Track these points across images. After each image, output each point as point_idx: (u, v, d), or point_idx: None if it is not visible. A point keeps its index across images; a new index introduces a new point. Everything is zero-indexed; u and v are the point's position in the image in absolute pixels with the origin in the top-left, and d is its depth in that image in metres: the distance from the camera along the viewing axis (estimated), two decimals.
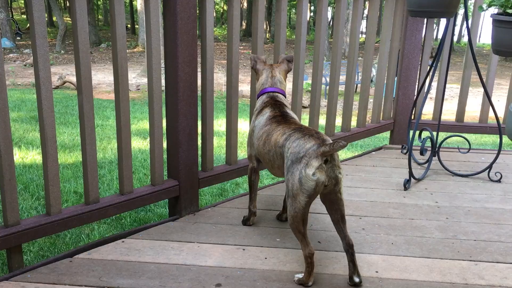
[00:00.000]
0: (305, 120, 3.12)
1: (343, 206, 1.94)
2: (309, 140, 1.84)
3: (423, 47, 3.57)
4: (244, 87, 12.47)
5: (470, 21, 3.17)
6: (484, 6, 2.92)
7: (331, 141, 1.80)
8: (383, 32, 3.45)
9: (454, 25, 3.03)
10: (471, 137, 4.68)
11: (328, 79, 3.30)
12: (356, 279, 1.94)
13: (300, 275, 1.97)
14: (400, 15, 3.47)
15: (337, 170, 1.85)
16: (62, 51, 21.76)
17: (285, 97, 2.36)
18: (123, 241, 2.27)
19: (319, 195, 1.90)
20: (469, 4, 3.25)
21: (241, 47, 19.72)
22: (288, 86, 2.55)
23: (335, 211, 1.94)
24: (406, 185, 2.93)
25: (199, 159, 2.60)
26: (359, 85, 2.75)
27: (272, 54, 2.69)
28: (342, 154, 4.96)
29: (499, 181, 3.11)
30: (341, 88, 3.18)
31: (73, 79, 14.00)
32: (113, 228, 3.32)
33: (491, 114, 3.39)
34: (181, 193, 2.47)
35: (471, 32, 3.15)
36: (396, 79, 3.65)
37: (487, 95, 3.23)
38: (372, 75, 7.36)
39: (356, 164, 3.37)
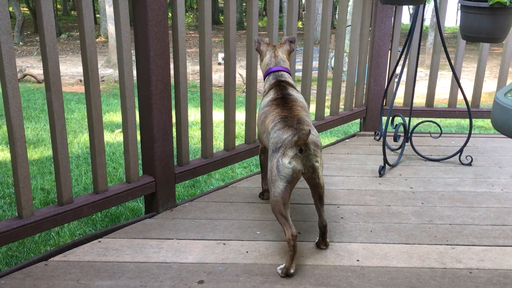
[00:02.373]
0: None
1: (322, 189, 2.06)
2: (287, 131, 1.96)
3: (392, 33, 3.60)
4: (213, 76, 12.33)
5: (438, 5, 3.20)
6: None
7: (306, 130, 1.85)
8: (353, 19, 3.45)
9: (424, 11, 3.06)
10: (444, 121, 4.77)
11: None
12: (323, 247, 2.17)
13: (282, 266, 1.97)
14: (369, 2, 3.47)
15: (313, 158, 1.95)
16: (20, 43, 21.01)
17: (290, 74, 2.42)
18: (99, 241, 2.20)
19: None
20: None
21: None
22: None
23: (314, 193, 2.09)
24: (381, 171, 2.96)
25: (175, 153, 2.55)
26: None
27: (244, 41, 2.64)
28: None
29: (470, 164, 3.18)
30: (314, 74, 3.17)
31: (34, 71, 13.56)
32: (83, 224, 3.25)
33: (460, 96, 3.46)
34: (157, 189, 2.42)
35: (439, 17, 3.18)
36: (367, 66, 3.67)
37: (456, 79, 3.28)
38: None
39: (331, 152, 3.38)
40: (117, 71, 2.25)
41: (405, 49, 3.04)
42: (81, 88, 11.22)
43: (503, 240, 2.24)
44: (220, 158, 2.74)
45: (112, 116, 7.58)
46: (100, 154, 2.22)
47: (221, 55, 15.47)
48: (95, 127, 2.16)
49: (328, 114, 3.54)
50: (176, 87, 2.47)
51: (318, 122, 3.36)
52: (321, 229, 2.14)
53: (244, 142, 2.96)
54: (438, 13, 3.13)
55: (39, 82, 12.30)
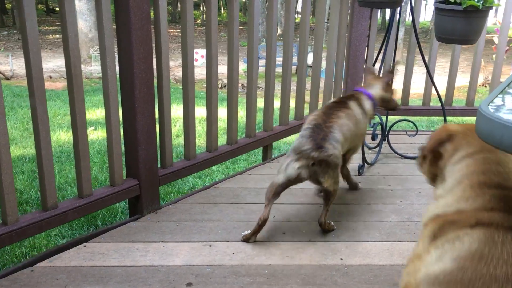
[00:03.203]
0: (244, 105, 3.09)
1: (329, 194, 2.25)
2: (309, 143, 2.15)
3: (369, 34, 3.67)
4: (179, 72, 12.17)
5: (413, 6, 3.29)
6: None
7: (325, 150, 2.12)
8: (331, 19, 3.50)
9: (400, 13, 3.14)
10: (416, 118, 4.89)
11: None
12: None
13: (246, 232, 2.26)
14: (346, 3, 3.53)
15: (320, 175, 2.17)
16: None
17: (371, 99, 2.58)
18: (85, 246, 2.20)
19: None
20: None
21: (174, 30, 19.21)
22: (223, 70, 2.74)
23: (323, 191, 2.29)
24: (360, 170, 3.04)
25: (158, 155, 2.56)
26: (294, 67, 2.76)
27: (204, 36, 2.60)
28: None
29: None
30: (278, 70, 3.18)
31: (1, 68, 13.20)
32: (64, 226, 3.21)
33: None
34: (142, 192, 2.43)
35: (415, 19, 3.27)
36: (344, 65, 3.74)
37: (431, 79, 3.38)
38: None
39: None
40: (88, 67, 2.24)
41: (382, 50, 3.12)
42: (51, 85, 11.00)
43: None
44: (203, 159, 2.76)
45: (88, 114, 7.46)
46: (85, 158, 2.21)
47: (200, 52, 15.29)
48: (79, 131, 2.15)
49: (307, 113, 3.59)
50: (159, 91, 2.47)
51: (297, 122, 3.41)
52: (319, 224, 2.34)
53: (226, 143, 2.99)
54: (413, 14, 3.22)
55: (7, 78, 11.98)
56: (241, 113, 3.34)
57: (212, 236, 2.30)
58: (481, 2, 2.79)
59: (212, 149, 2.83)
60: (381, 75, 2.79)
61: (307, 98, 3.50)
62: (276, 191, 2.21)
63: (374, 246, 2.25)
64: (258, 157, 4.57)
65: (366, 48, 3.69)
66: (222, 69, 3.15)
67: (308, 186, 2.81)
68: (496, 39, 8.76)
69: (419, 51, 3.23)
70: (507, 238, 1.06)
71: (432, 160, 1.47)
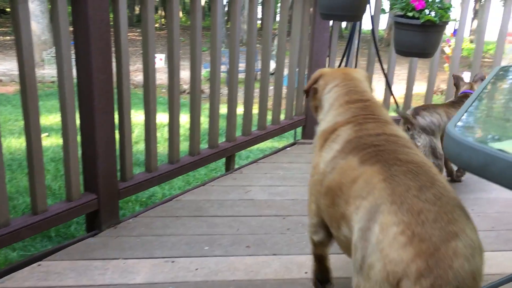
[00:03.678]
0: (206, 111, 3.05)
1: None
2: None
3: (330, 45, 3.71)
4: (137, 77, 11.88)
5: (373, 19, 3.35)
6: (386, 9, 3.10)
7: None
8: (293, 30, 3.52)
9: (360, 26, 3.19)
10: None
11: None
12: None
13: None
14: (308, 15, 3.56)
15: (415, 138, 2.59)
16: None
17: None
18: (39, 265, 2.09)
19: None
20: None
21: (132, 33, 18.92)
22: (186, 74, 2.70)
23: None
24: None
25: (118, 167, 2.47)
26: (258, 73, 2.72)
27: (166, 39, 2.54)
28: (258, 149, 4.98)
29: None
30: (241, 75, 3.14)
31: None
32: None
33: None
34: (100, 207, 2.34)
35: (374, 32, 3.33)
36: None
37: (389, 87, 3.45)
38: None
39: (273, 162, 3.43)
40: (40, 71, 2.15)
41: (343, 60, 3.16)
42: (2, 89, 10.54)
43: None
44: (165, 171, 2.69)
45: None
46: (39, 172, 2.11)
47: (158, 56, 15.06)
48: (33, 145, 2.05)
49: (270, 123, 3.58)
50: (120, 101, 2.40)
51: (260, 132, 3.40)
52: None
53: (188, 154, 2.93)
54: (373, 27, 3.27)
55: None
56: (201, 119, 3.26)
57: (174, 251, 2.24)
58: (438, 17, 2.88)
59: (174, 160, 2.77)
60: (473, 80, 3.15)
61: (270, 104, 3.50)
62: None
63: (338, 259, 2.24)
64: (218, 164, 4.51)
65: (328, 58, 3.72)
66: (182, 74, 3.06)
67: (273, 197, 2.80)
68: (447, 49, 9.08)
69: (378, 60, 3.29)
70: (367, 124, 1.60)
71: (312, 95, 1.94)
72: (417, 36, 2.95)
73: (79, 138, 2.27)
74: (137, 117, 6.64)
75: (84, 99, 2.21)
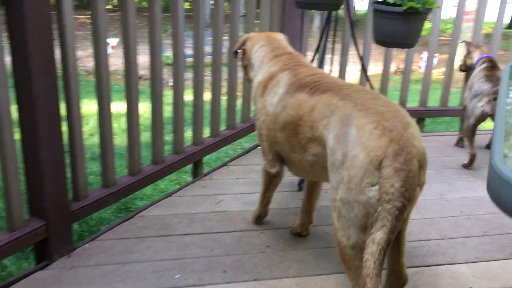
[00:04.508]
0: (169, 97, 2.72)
1: None
2: (487, 84, 3.12)
3: (301, 34, 3.43)
4: (90, 63, 11.16)
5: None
6: None
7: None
8: (262, 20, 3.22)
9: (337, 16, 2.92)
10: None
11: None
12: None
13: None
14: (277, 3, 3.25)
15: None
16: None
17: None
18: None
19: None
20: None
21: (83, 16, 17.89)
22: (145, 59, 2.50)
23: None
24: (301, 185, 2.79)
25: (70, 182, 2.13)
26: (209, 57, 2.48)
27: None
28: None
29: None
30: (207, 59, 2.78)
31: None
32: None
33: None
34: (50, 234, 2.00)
35: (352, 20, 3.07)
36: None
37: (365, 72, 3.22)
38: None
39: (244, 164, 3.13)
40: None
41: (318, 51, 2.89)
42: None
43: None
44: (125, 185, 2.37)
45: None
46: None
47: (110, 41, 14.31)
48: None
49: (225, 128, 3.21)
50: (69, 110, 2.05)
51: (230, 132, 3.10)
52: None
53: (151, 162, 2.61)
54: (350, 15, 3.01)
55: None
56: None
57: (140, 283, 1.94)
58: (421, 4, 2.64)
59: (135, 171, 2.44)
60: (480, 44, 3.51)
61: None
62: (473, 131, 3.10)
63: (327, 281, 2.01)
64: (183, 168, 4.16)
65: (300, 47, 3.44)
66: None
67: (248, 207, 2.50)
68: None
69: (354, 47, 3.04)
70: (299, 69, 1.99)
71: (242, 56, 2.25)
72: (399, 25, 2.69)
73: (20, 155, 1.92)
74: (90, 107, 6.13)
75: (23, 111, 1.85)
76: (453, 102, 4.04)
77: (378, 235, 1.43)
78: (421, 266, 2.13)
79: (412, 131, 1.50)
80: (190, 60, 2.81)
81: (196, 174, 2.93)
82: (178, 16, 2.52)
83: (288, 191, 2.77)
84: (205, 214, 2.49)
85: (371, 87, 3.06)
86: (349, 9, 2.96)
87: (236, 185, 2.83)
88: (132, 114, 2.36)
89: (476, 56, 3.50)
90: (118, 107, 5.32)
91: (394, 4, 2.65)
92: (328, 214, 2.55)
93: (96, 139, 4.82)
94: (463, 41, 3.68)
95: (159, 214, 2.47)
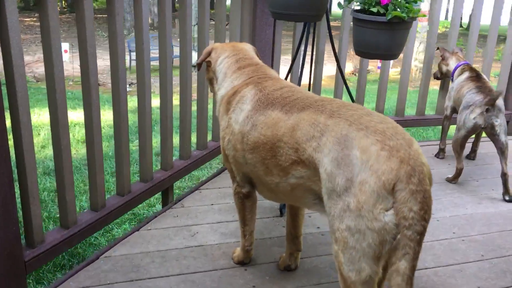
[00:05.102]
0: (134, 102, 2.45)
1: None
2: (479, 95, 2.92)
3: (273, 43, 3.21)
4: (39, 69, 10.49)
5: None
6: (344, 3, 2.65)
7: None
8: (230, 28, 2.97)
9: (315, 27, 2.71)
10: None
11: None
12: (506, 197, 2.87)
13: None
14: (248, 8, 3.02)
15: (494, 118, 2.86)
16: None
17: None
18: None
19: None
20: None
21: (30, 19, 17.10)
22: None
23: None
24: (282, 210, 2.57)
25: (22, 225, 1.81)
26: (176, 60, 2.25)
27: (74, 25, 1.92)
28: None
29: None
30: (154, 63, 2.55)
31: None
32: None
33: None
34: None
35: (331, 33, 2.87)
36: None
37: (342, 77, 3.03)
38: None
39: (218, 187, 2.86)
40: None
41: (294, 60, 2.68)
42: None
43: None
44: (88, 223, 2.07)
45: None
46: None
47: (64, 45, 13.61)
48: None
49: (210, 139, 3.03)
50: (16, 142, 1.73)
51: (201, 153, 2.83)
52: (502, 178, 2.87)
53: (116, 194, 2.31)
54: (330, 28, 2.80)
55: None
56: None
57: None
58: (405, 13, 2.48)
59: (98, 207, 2.14)
60: (453, 51, 3.48)
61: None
62: (462, 144, 2.95)
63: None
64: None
65: (272, 57, 3.22)
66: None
67: (226, 239, 2.23)
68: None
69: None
70: (265, 83, 1.84)
71: (206, 68, 2.10)
72: (382, 35, 2.52)
73: None
74: (41, 116, 5.70)
75: None
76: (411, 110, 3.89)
77: (402, 265, 1.35)
78: None
79: (416, 147, 1.44)
80: (155, 63, 2.54)
81: (166, 202, 2.64)
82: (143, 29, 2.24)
83: (269, 217, 2.54)
84: (180, 250, 2.21)
85: (350, 94, 2.88)
86: (328, 20, 2.76)
87: (211, 212, 2.56)
88: (93, 144, 2.06)
89: (452, 63, 3.40)
90: (72, 116, 4.96)
91: (377, 13, 2.48)
92: (316, 243, 2.35)
93: (48, 151, 4.44)
94: (437, 48, 3.57)
95: (127, 253, 2.17)
